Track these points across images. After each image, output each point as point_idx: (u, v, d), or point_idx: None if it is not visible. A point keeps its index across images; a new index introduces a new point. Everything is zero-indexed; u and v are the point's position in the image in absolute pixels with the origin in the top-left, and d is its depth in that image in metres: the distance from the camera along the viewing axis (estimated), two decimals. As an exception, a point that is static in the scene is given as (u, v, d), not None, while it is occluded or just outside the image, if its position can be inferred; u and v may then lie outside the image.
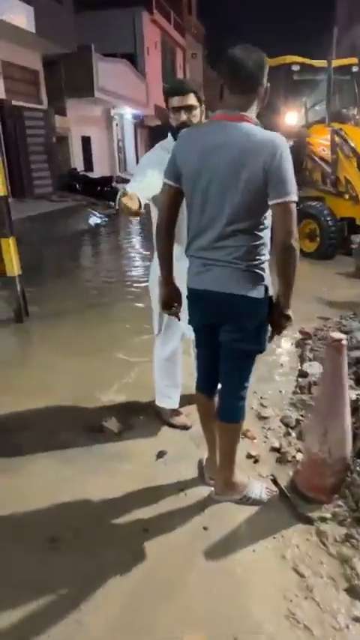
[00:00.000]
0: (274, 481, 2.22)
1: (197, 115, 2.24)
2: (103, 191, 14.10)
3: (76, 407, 2.97)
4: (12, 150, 10.45)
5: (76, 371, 3.49)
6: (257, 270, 1.74)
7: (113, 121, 19.09)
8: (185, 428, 2.69)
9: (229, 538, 1.93)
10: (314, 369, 3.20)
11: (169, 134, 2.34)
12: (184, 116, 2.20)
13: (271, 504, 2.09)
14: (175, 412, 2.76)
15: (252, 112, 1.70)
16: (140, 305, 4.97)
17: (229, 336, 1.82)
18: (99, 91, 15.16)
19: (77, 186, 14.00)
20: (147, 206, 2.21)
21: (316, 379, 3.07)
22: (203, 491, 2.18)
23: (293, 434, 2.57)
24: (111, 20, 18.17)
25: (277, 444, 2.47)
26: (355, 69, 7.27)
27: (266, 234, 1.75)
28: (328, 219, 6.22)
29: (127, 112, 19.84)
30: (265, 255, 1.77)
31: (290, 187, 1.61)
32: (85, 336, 4.21)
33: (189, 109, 2.20)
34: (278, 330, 1.84)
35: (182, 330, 2.50)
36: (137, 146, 22.01)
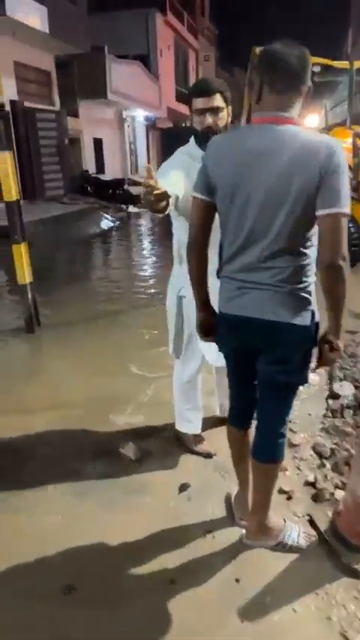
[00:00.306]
0: (312, 523, 2.00)
1: (224, 117, 2.04)
2: (115, 194, 13.95)
3: (90, 429, 2.76)
4: (24, 151, 10.32)
5: (88, 387, 3.28)
6: (303, 294, 1.53)
7: (125, 122, 18.96)
8: (209, 456, 2.47)
9: (265, 593, 1.71)
10: (345, 389, 2.97)
11: (192, 139, 2.14)
12: (209, 119, 2.00)
13: (310, 552, 1.86)
14: (197, 438, 2.55)
15: (295, 114, 1.49)
16: (154, 314, 4.75)
17: (269, 367, 1.60)
18: (112, 93, 15.03)
19: (89, 188, 13.87)
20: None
21: (349, 401, 2.84)
22: (233, 533, 1.96)
23: (328, 465, 2.35)
24: (124, 22, 18.04)
25: (311, 478, 2.25)
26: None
27: (313, 253, 1.53)
28: (350, 225, 5.97)
29: (140, 114, 19.70)
30: (312, 277, 1.55)
31: (344, 198, 1.39)
32: (97, 349, 4.01)
33: (215, 111, 2.00)
34: (326, 362, 1.62)
35: (202, 351, 2.29)
36: (149, 148, 21.85)
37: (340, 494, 2.11)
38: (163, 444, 2.59)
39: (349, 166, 6.15)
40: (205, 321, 1.76)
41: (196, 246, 1.64)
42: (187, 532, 1.97)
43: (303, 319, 1.53)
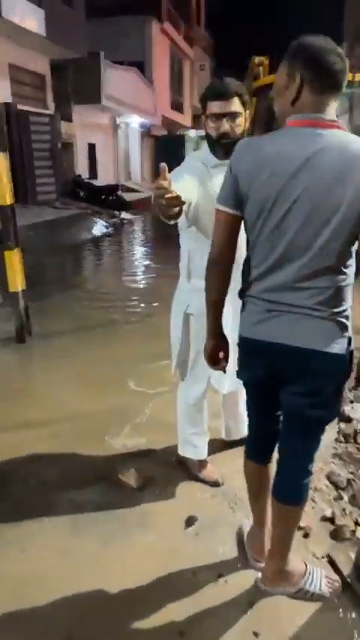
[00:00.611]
0: (333, 565, 1.82)
1: (242, 123, 1.88)
2: (107, 200, 13.77)
3: (84, 452, 2.55)
4: (16, 154, 10.11)
5: (81, 404, 3.07)
6: (342, 319, 1.36)
7: (119, 129, 18.83)
8: (216, 484, 2.29)
9: (286, 649, 1.53)
10: (358, 412, 2.81)
11: (205, 146, 1.97)
12: (226, 125, 1.84)
13: (334, 600, 1.68)
14: (203, 464, 2.36)
15: (335, 117, 1.33)
16: (151, 325, 4.58)
17: (299, 400, 1.42)
18: (106, 99, 14.90)
19: (81, 193, 13.67)
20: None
21: (363, 426, 2.68)
22: (247, 577, 1.77)
23: (345, 497, 2.17)
24: (121, 28, 17.99)
25: (328, 512, 2.07)
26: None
27: (352, 272, 1.37)
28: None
29: (134, 121, 19.60)
30: (350, 300, 1.39)
31: None
32: (91, 361, 3.80)
33: (232, 116, 1.84)
34: None
35: (209, 372, 2.12)
36: (143, 155, 21.74)
37: (361, 532, 1.93)
38: (165, 470, 2.40)
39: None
40: (216, 348, 1.58)
41: (220, 266, 1.45)
42: (196, 575, 1.78)
43: (340, 347, 1.36)
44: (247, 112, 1.91)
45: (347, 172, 1.22)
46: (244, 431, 2.56)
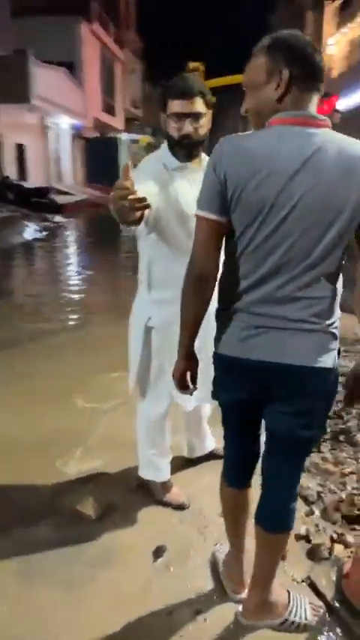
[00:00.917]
0: (314, 588, 1.72)
1: (205, 125, 1.78)
2: (38, 202, 13.24)
3: (33, 483, 2.29)
4: None
5: (24, 429, 2.76)
6: (333, 330, 1.27)
7: (49, 129, 18.23)
8: (182, 507, 2.13)
9: None
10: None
11: (165, 147, 1.84)
12: (189, 126, 1.72)
13: (320, 628, 1.58)
14: (167, 486, 2.19)
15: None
16: (91, 334, 4.36)
17: (290, 420, 1.31)
18: (35, 98, 14.33)
19: (10, 195, 13.04)
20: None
21: (328, 435, 2.64)
22: (227, 612, 1.63)
23: (317, 512, 2.10)
24: (50, 28, 17.50)
25: (302, 530, 1.98)
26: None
27: (341, 278, 1.28)
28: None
29: (64, 122, 19.06)
30: (339, 309, 1.29)
31: None
32: (30, 376, 3.49)
33: (196, 116, 1.73)
34: (357, 402, 1.37)
35: (172, 391, 1.97)
36: (74, 157, 21.21)
37: (339, 549, 1.86)
38: (126, 495, 2.21)
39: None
40: (184, 372, 1.41)
41: (203, 281, 1.28)
42: (173, 614, 1.62)
43: (332, 361, 1.27)
44: (211, 112, 1.80)
45: (350, 174, 1.13)
46: (208, 447, 2.43)
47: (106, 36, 22.03)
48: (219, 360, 1.35)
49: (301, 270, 1.19)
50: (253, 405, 1.38)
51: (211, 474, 2.33)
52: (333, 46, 18.41)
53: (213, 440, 2.44)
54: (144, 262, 1.94)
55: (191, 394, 1.45)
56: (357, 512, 2.00)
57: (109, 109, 23.53)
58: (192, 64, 8.60)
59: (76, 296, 5.98)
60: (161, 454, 2.16)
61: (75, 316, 5.04)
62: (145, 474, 2.20)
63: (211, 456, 2.44)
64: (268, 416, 1.36)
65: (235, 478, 1.54)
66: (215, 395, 1.43)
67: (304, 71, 1.18)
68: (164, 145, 1.86)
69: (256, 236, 1.19)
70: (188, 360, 1.39)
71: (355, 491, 2.11)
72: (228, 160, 1.17)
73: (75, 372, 3.53)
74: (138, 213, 1.37)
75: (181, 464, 2.39)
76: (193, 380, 1.40)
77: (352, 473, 2.25)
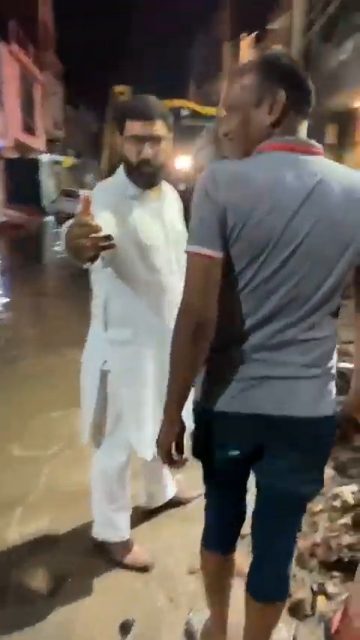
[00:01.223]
0: (301, 652, 1.57)
1: (165, 150, 1.65)
2: None
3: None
4: None
5: None
6: (333, 372, 1.15)
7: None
8: (146, 569, 1.91)
9: None
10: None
11: (121, 172, 1.68)
12: (148, 150, 1.58)
13: None
14: (127, 546, 1.96)
15: None
16: (23, 370, 3.97)
17: (287, 477, 1.16)
18: None
19: None
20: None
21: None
22: None
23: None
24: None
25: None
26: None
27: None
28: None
29: (-18, 142, 18.30)
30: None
31: None
32: None
33: (156, 140, 1.60)
34: (349, 441, 1.27)
35: (130, 439, 1.78)
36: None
37: (321, 602, 1.73)
38: (80, 560, 1.95)
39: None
40: (171, 440, 1.17)
41: (206, 330, 1.06)
42: None
43: (334, 407, 1.15)
44: (171, 137, 1.67)
45: (354, 207, 1.03)
46: (169, 494, 2.23)
47: (25, 57, 21.63)
48: (208, 416, 1.16)
49: (306, 311, 1.07)
50: (244, 462, 1.22)
51: (175, 526, 2.14)
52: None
53: (174, 486, 2.24)
54: (100, 298, 1.75)
55: (181, 466, 1.22)
56: (335, 557, 1.88)
57: (30, 130, 22.99)
58: (117, 88, 8.52)
59: None
60: (121, 509, 1.94)
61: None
62: (101, 533, 1.96)
63: (173, 503, 2.24)
64: (262, 472, 1.21)
65: (219, 543, 1.37)
66: (198, 453, 1.25)
67: (300, 94, 1.07)
68: (120, 170, 1.69)
69: (257, 274, 1.05)
70: (176, 427, 1.17)
71: (329, 533, 2.00)
72: (226, 190, 1.01)
73: (8, 415, 3.18)
74: (91, 253, 1.20)
75: (138, 516, 2.16)
76: (180, 449, 1.19)
77: (321, 511, 2.15)
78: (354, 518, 1.97)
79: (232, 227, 1.01)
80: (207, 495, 1.35)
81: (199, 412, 1.19)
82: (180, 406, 1.13)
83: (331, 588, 1.77)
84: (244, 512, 1.35)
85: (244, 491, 1.32)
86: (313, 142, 1.07)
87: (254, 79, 1.07)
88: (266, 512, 1.25)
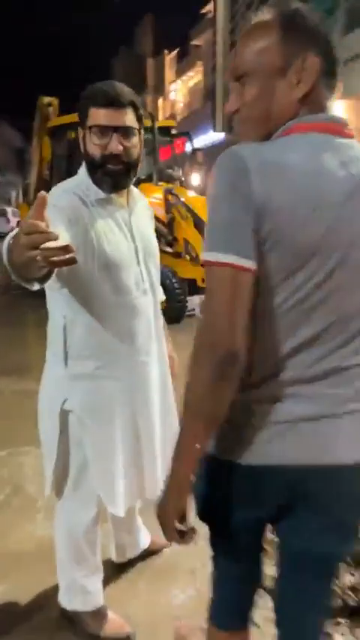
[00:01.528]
0: None
1: (137, 145, 1.41)
2: None
3: None
4: None
5: None
6: None
7: None
8: (127, 639, 1.63)
9: None
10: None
11: (83, 171, 1.44)
12: (116, 144, 1.35)
13: None
14: (101, 614, 1.66)
15: None
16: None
17: (324, 537, 0.95)
18: None
19: None
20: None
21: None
22: None
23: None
24: None
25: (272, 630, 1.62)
26: (174, 131, 7.29)
27: None
28: (174, 280, 5.77)
29: None
30: None
31: None
32: None
33: (126, 132, 1.36)
34: None
35: (97, 487, 1.51)
36: None
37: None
38: (47, 637, 1.64)
39: (163, 222, 6.02)
40: (183, 509, 0.92)
41: (236, 364, 0.81)
42: None
43: None
44: (142, 132, 1.44)
45: None
46: (142, 545, 1.96)
47: None
48: (229, 471, 0.93)
49: (351, 333, 0.87)
50: (264, 523, 1.00)
51: (151, 583, 1.88)
52: (174, 92, 19.64)
53: (147, 534, 1.97)
54: (57, 326, 1.47)
55: (191, 540, 0.96)
56: (338, 602, 1.71)
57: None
58: (45, 99, 8.10)
59: None
60: (92, 573, 1.65)
61: None
62: (70, 603, 1.66)
63: (146, 555, 1.97)
64: (292, 533, 0.99)
65: (232, 620, 1.13)
66: (207, 516, 1.01)
67: (332, 63, 0.87)
68: (82, 170, 1.44)
69: (298, 290, 0.83)
70: (186, 494, 0.91)
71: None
72: (260, 182, 0.78)
73: None
74: (45, 270, 0.98)
75: (108, 573, 1.87)
76: (185, 517, 0.94)
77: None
78: (355, 555, 1.80)
79: (268, 231, 0.79)
80: (217, 564, 1.11)
81: (215, 468, 0.95)
82: (194, 468, 0.89)
83: (340, 639, 1.59)
84: (259, 581, 1.13)
85: (261, 555, 1.10)
86: (345, 120, 0.88)
87: (276, 40, 0.85)
88: (294, 579, 1.04)
